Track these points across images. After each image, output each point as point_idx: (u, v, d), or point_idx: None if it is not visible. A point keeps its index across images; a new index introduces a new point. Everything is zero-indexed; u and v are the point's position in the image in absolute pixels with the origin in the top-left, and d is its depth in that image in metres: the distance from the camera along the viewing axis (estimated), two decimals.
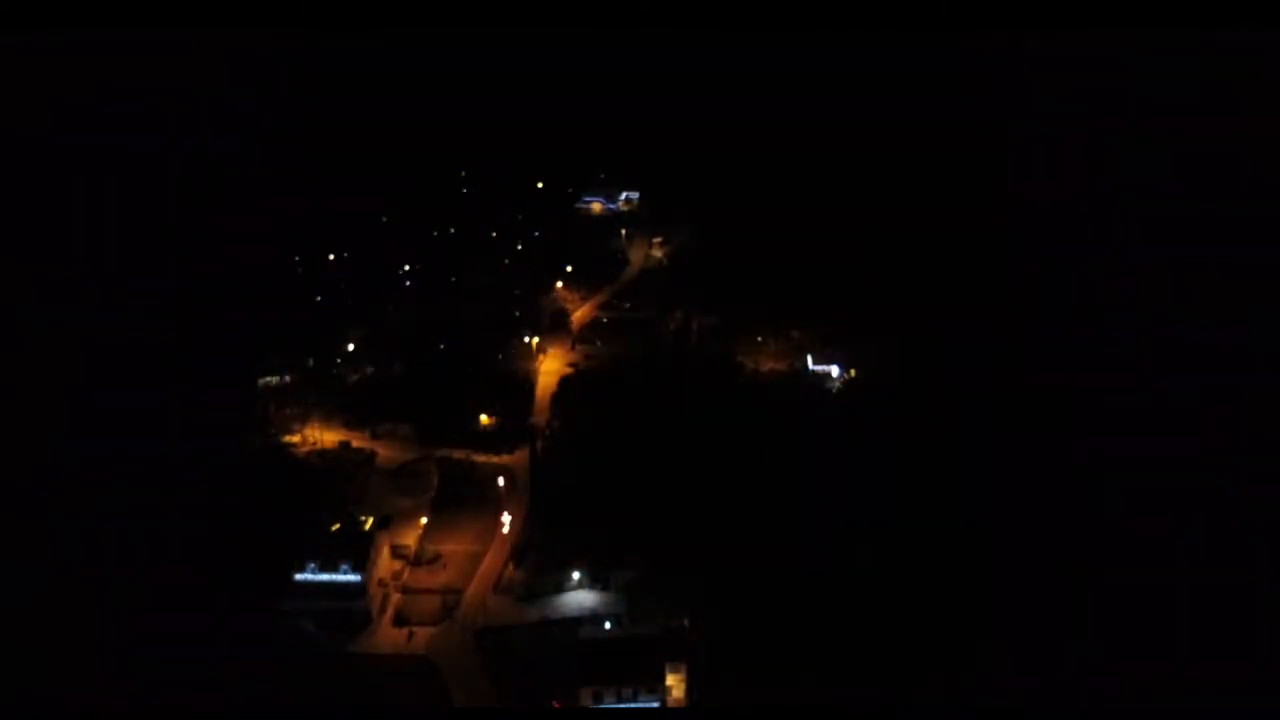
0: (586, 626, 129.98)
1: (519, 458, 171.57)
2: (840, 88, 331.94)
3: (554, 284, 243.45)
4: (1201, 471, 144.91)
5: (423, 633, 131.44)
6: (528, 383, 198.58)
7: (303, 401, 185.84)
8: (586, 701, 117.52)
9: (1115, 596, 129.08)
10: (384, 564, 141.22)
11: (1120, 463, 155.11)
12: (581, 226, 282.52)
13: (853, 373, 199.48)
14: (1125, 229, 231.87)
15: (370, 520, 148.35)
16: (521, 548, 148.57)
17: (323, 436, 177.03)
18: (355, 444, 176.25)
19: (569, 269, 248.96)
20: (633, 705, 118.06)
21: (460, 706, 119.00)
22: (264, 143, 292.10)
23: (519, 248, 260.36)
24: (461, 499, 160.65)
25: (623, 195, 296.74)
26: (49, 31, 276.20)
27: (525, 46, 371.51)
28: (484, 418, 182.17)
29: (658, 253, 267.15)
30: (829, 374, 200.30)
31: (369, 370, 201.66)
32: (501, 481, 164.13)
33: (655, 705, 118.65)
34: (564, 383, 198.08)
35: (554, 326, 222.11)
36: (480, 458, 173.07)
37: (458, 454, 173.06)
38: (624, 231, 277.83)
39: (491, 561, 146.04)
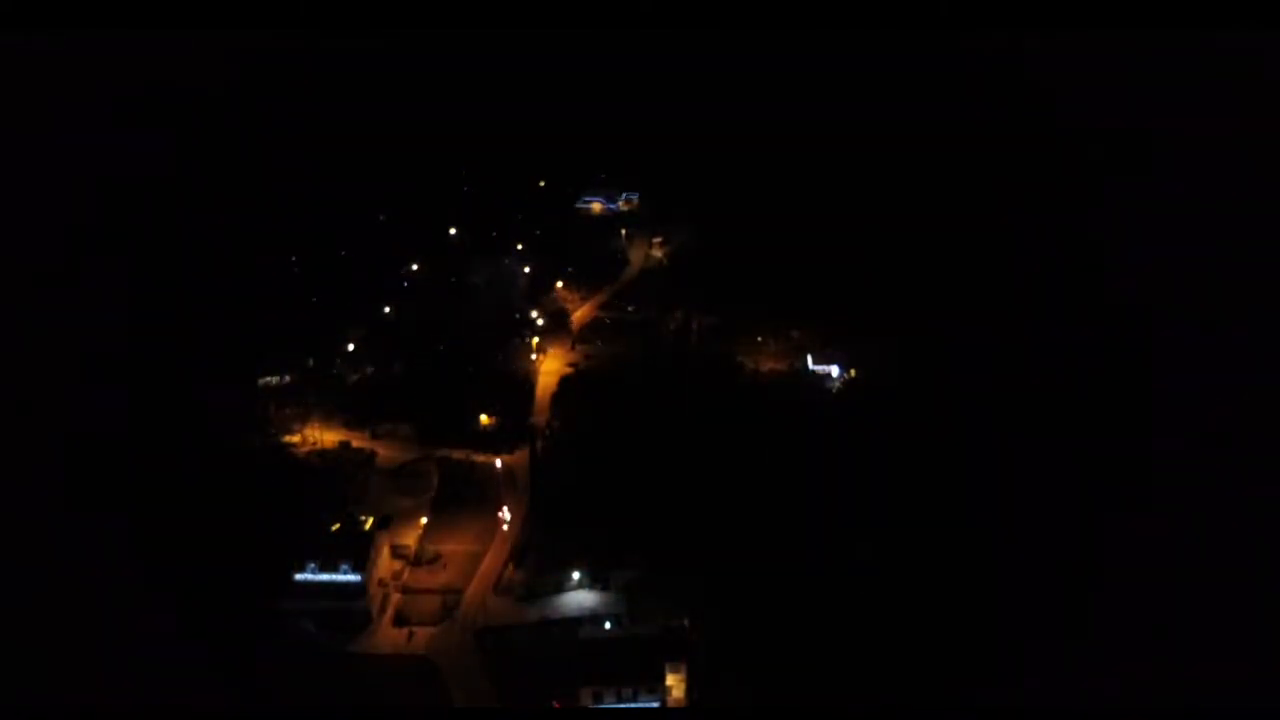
0: (586, 626, 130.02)
1: (519, 458, 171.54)
2: (841, 88, 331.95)
3: (554, 284, 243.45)
4: (1202, 471, 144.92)
5: (423, 633, 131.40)
6: (528, 383, 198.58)
7: (303, 401, 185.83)
8: (586, 701, 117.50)
9: (1115, 596, 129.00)
10: (384, 564, 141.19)
11: (1120, 462, 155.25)
12: (581, 226, 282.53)
13: (853, 373, 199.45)
14: (1125, 229, 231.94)
15: (370, 520, 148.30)
16: (521, 548, 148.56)
17: (323, 436, 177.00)
18: (355, 444, 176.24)
19: (569, 269, 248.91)
20: (633, 705, 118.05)
21: (460, 706, 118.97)
22: (264, 142, 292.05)
23: (519, 248, 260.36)
24: (461, 499, 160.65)
25: (623, 195, 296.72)
26: (49, 31, 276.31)
27: (525, 46, 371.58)
28: (484, 418, 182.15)
29: (658, 253, 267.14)
30: (829, 374, 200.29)
31: (369, 370, 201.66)
32: (501, 481, 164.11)
33: (655, 705, 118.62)
34: (564, 383, 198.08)
35: (554, 326, 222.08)
36: (480, 458, 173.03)
37: (458, 454, 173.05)
38: (624, 231, 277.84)
39: (491, 561, 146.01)
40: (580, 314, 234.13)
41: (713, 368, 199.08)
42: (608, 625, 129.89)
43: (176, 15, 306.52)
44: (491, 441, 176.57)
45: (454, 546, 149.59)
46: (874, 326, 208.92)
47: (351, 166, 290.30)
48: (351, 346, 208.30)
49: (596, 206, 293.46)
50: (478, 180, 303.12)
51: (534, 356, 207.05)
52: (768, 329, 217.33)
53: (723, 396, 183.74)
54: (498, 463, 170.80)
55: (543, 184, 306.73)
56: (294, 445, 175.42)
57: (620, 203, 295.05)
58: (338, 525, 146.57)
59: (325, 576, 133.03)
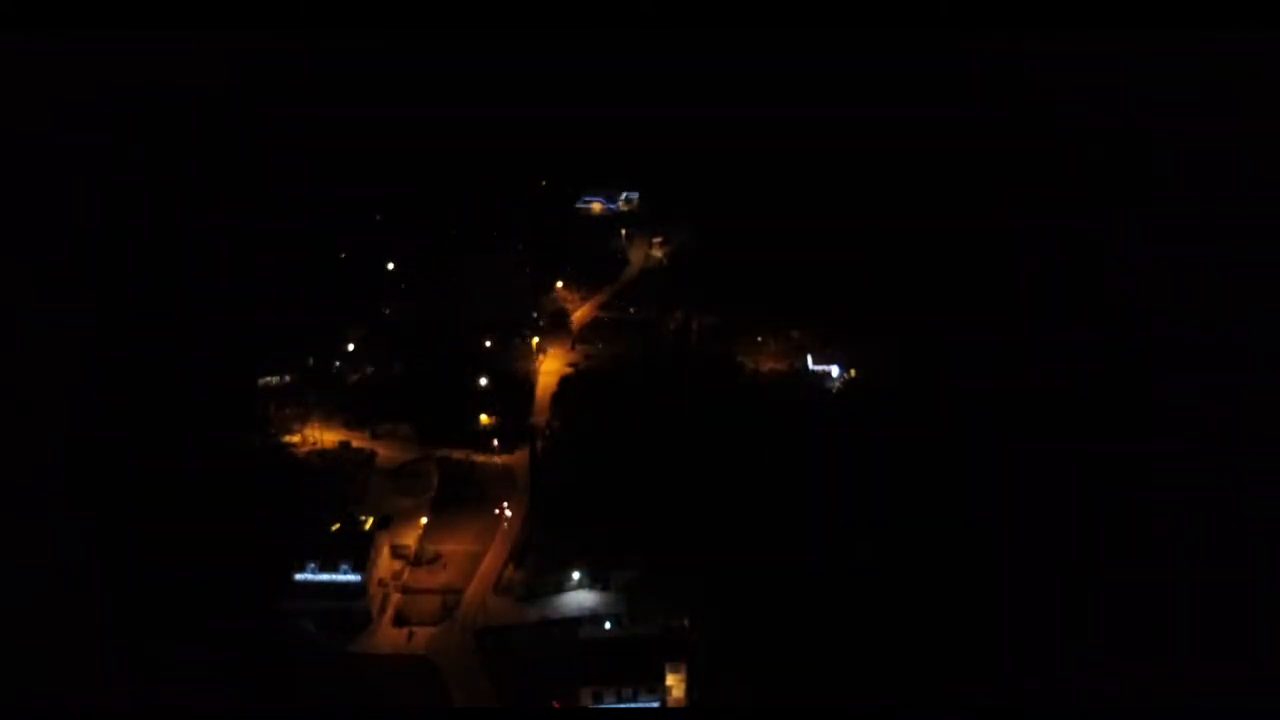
0: (586, 626, 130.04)
1: (519, 458, 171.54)
2: (841, 88, 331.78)
3: (554, 284, 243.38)
4: (1202, 471, 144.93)
5: (423, 633, 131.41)
6: (528, 383, 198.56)
7: (303, 401, 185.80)
8: (586, 701, 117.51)
9: (1115, 596, 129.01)
10: (384, 564, 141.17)
11: (1120, 462, 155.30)
12: (581, 226, 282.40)
13: (853, 373, 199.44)
14: (1125, 229, 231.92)
15: (370, 520, 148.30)
16: (521, 548, 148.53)
17: (323, 436, 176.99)
18: (355, 444, 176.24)
19: (569, 269, 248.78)
20: (633, 705, 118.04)
21: (460, 706, 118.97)
22: (264, 142, 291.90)
23: (519, 248, 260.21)
24: (461, 499, 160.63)
25: (623, 195, 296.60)
26: (49, 31, 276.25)
27: (525, 46, 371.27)
28: (484, 418, 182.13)
29: (658, 253, 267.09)
30: (829, 374, 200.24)
31: (369, 370, 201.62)
32: (501, 481, 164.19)
33: (655, 705, 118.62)
34: (564, 383, 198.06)
35: (554, 326, 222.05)
36: (480, 458, 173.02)
37: (458, 454, 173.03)
38: (624, 231, 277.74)
39: (491, 561, 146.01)
40: (580, 314, 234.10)
41: (713, 368, 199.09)
42: (608, 625, 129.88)
43: (176, 15, 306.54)
44: (491, 441, 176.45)
45: (454, 546, 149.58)
46: (874, 326, 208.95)
47: (351, 166, 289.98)
48: (351, 346, 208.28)
49: (596, 206, 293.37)
50: (478, 180, 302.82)
51: (534, 356, 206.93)
52: (768, 329, 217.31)
53: (723, 396, 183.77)
54: (498, 462, 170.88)
55: (543, 184, 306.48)
56: (294, 445, 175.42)
57: (620, 203, 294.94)
58: (338, 525, 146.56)
59: (325, 576, 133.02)
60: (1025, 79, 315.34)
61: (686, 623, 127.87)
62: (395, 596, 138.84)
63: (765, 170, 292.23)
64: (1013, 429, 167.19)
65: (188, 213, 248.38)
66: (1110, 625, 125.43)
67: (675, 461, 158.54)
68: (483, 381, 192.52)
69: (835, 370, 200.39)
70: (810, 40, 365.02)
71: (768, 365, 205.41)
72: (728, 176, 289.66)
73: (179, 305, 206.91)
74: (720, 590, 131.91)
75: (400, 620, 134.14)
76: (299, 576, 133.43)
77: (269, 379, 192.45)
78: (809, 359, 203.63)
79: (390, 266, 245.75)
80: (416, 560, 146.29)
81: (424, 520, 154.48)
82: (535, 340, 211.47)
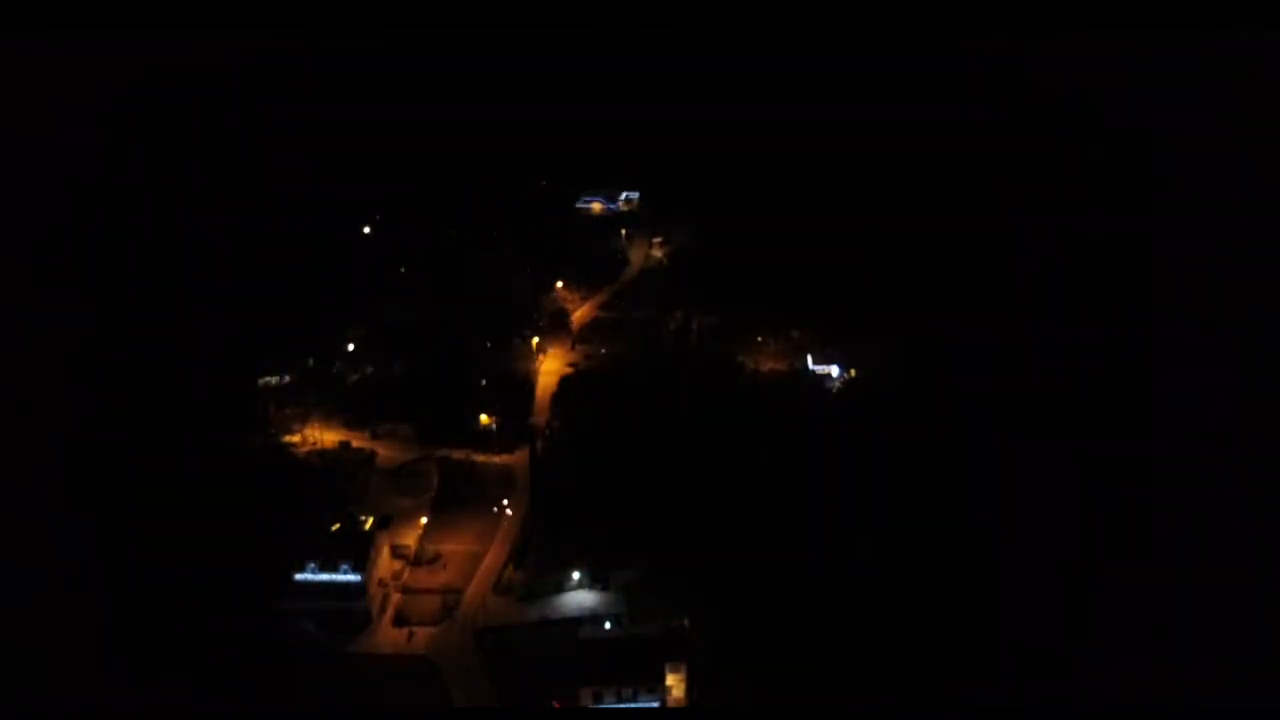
0: (586, 626, 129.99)
1: (519, 458, 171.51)
2: (840, 88, 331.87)
3: (554, 284, 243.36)
4: (1202, 471, 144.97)
5: (423, 633, 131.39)
6: (528, 383, 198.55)
7: (303, 401, 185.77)
8: (586, 701, 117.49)
9: (1115, 596, 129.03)
10: (384, 564, 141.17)
11: (1120, 462, 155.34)
12: (581, 226, 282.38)
13: (853, 373, 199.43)
14: (1125, 229, 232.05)
15: (370, 520, 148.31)
16: (521, 548, 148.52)
17: (323, 436, 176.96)
18: (355, 444, 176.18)
19: (569, 269, 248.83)
20: (633, 705, 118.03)
21: (460, 706, 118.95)
22: (264, 142, 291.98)
23: (519, 248, 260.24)
24: (461, 499, 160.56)
25: (623, 195, 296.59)
26: (49, 31, 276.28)
27: (525, 46, 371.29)
28: (484, 418, 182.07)
29: (658, 253, 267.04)
30: (829, 374, 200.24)
31: (369, 370, 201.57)
32: (501, 481, 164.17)
33: (655, 705, 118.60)
34: (564, 383, 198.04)
35: (554, 326, 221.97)
36: (480, 458, 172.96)
37: (458, 454, 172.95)
38: (624, 231, 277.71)
39: (491, 561, 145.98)
40: (580, 314, 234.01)
41: (713, 368, 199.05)
42: (608, 625, 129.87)
43: (176, 15, 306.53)
44: (491, 441, 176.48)
45: (454, 546, 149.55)
46: (874, 326, 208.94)
47: (351, 166, 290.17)
48: (351, 346, 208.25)
49: (596, 206, 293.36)
50: (478, 180, 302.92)
51: (534, 356, 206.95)
52: (768, 329, 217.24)
53: (723, 396, 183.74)
54: (498, 462, 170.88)
55: (543, 184, 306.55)
56: (294, 445, 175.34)
57: (620, 203, 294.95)
58: (338, 525, 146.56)
59: (325, 576, 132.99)
60: (1025, 79, 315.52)
61: (686, 623, 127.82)
62: (395, 596, 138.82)
63: (765, 170, 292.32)
64: (1013, 429, 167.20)
65: (187, 213, 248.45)
66: (1110, 625, 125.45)
67: (675, 462, 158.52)
68: (483, 381, 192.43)
69: (835, 370, 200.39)
70: (810, 40, 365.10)
71: (768, 365, 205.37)
72: (728, 176, 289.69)
73: (179, 305, 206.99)
74: (720, 590, 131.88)
75: (400, 620, 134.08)
76: (299, 576, 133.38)
77: (269, 379, 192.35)
78: (809, 359, 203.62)
79: (390, 266, 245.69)
80: (416, 560, 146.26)
81: (424, 520, 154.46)
82: (535, 340, 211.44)
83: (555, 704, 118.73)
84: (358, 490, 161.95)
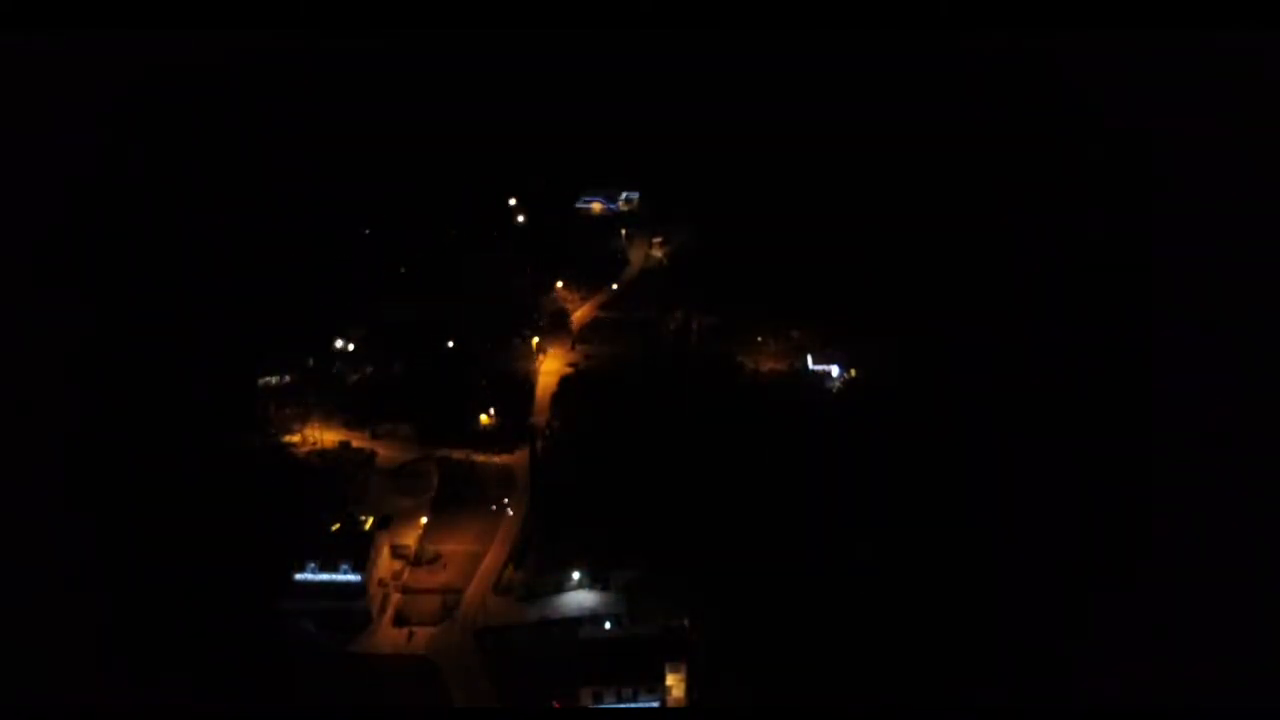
0: (586, 626, 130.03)
1: (519, 458, 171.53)
2: (840, 88, 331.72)
3: (554, 284, 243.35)
4: (1202, 471, 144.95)
5: (423, 633, 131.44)
6: (528, 383, 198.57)
7: (303, 401, 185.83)
8: (586, 701, 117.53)
9: (1115, 596, 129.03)
10: (384, 564, 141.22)
11: (1120, 462, 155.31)
12: (581, 226, 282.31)
13: (853, 373, 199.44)
14: (1125, 229, 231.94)
15: (370, 520, 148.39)
16: (521, 548, 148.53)
17: (323, 436, 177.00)
18: (355, 444, 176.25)
19: (569, 269, 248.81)
20: (633, 705, 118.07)
21: (460, 706, 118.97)
22: (264, 142, 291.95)
23: (519, 248, 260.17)
24: (461, 499, 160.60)
25: (623, 195, 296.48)
26: (49, 31, 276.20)
27: (525, 46, 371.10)
28: (484, 418, 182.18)
29: (658, 253, 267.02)
30: (829, 374, 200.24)
31: (369, 370, 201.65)
32: (501, 481, 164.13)
33: (655, 705, 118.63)
34: (564, 383, 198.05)
35: (554, 326, 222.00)
36: (480, 458, 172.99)
37: (458, 454, 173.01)
38: (624, 231, 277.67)
39: (491, 561, 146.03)
40: (580, 314, 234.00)
41: (713, 368, 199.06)
42: (608, 625, 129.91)
43: (176, 15, 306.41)
44: (491, 441, 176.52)
45: (454, 546, 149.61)
46: (874, 326, 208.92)
47: (351, 166, 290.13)
48: (351, 346, 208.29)
49: (596, 206, 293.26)
50: (478, 180, 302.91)
51: (534, 356, 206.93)
52: (768, 329, 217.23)
53: (723, 396, 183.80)
54: (498, 462, 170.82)
55: (542, 184, 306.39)
56: (294, 445, 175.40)
57: (620, 203, 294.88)
58: (338, 525, 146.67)
59: (325, 576, 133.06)
60: (1025, 79, 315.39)
61: (686, 623, 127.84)
62: (395, 596, 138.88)
63: (765, 170, 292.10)
64: (1013, 429, 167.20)
65: (187, 213, 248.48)
66: (1110, 625, 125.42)
67: (675, 462, 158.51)
68: (483, 382, 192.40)
69: (835, 370, 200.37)
70: (810, 40, 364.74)
71: (768, 365, 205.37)
72: (728, 176, 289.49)
73: (178, 305, 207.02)
74: (720, 590, 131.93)
75: (400, 620, 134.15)
76: (299, 576, 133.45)
77: (269, 379, 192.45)
78: (809, 359, 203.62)
79: (390, 266, 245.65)
80: (416, 560, 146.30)
81: (424, 520, 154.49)
82: (535, 340, 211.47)
83: (555, 704, 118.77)
84: (358, 490, 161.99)
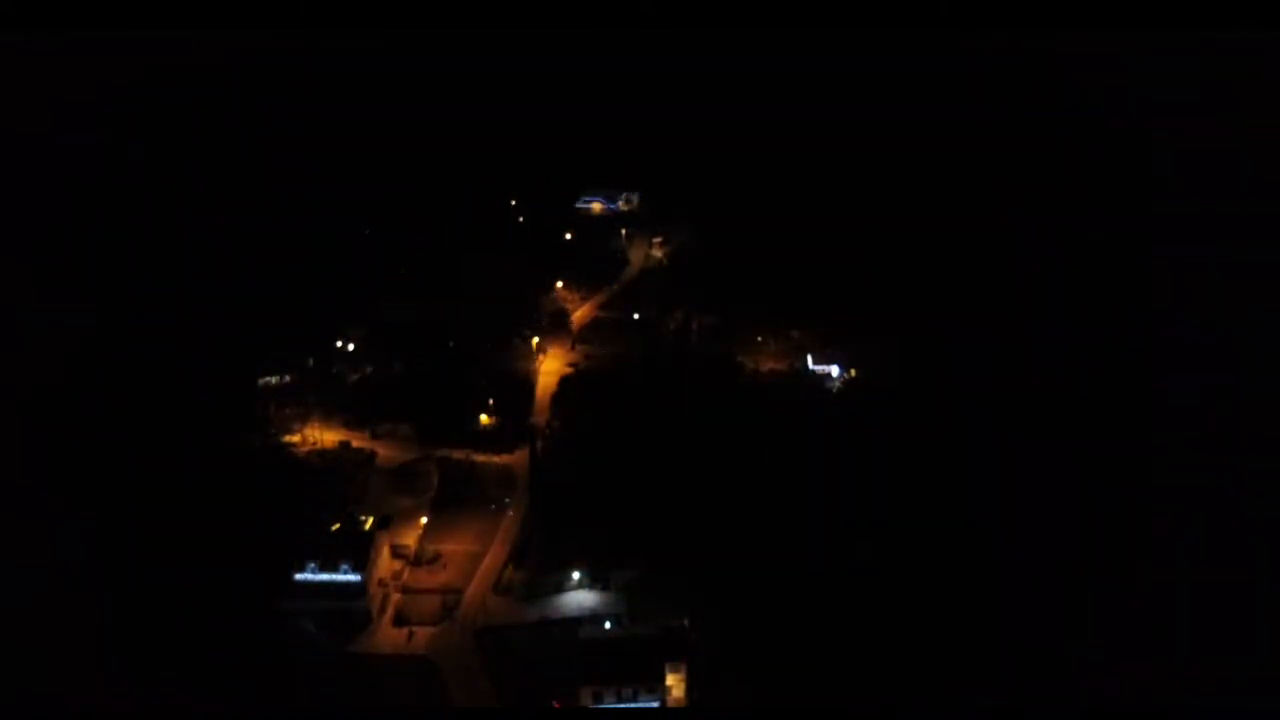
0: (586, 626, 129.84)
1: (519, 458, 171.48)
2: (840, 88, 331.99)
3: (554, 284, 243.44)
4: (1202, 471, 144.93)
5: (423, 633, 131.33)
6: (528, 383, 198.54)
7: (303, 401, 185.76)
8: (586, 701, 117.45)
9: (1115, 596, 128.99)
10: (384, 564, 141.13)
11: (1120, 462, 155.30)
12: (581, 226, 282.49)
13: (853, 373, 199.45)
14: (1125, 229, 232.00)
15: (370, 520, 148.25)
16: (521, 548, 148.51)
17: (323, 436, 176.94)
18: (355, 444, 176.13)
19: (569, 269, 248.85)
20: (633, 705, 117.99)
21: (460, 706, 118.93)
22: (264, 142, 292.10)
23: (519, 248, 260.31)
24: (461, 499, 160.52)
25: (623, 195, 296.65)
26: (49, 31, 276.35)
27: (525, 46, 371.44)
28: (484, 418, 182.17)
29: (658, 253, 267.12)
30: (829, 374, 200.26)
31: (369, 370, 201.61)
32: (501, 481, 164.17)
33: (655, 705, 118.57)
34: (564, 383, 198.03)
35: (554, 326, 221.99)
36: (480, 458, 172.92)
37: (458, 454, 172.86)
38: (624, 231, 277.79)
39: (491, 561, 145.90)
40: (580, 314, 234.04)
41: (713, 368, 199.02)
42: (608, 625, 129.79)
43: (176, 15, 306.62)
44: (491, 441, 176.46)
45: (454, 546, 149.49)
46: (874, 326, 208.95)
47: (351, 166, 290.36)
48: (351, 346, 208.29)
49: (596, 206, 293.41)
50: (478, 180, 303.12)
51: (534, 356, 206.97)
52: (768, 329, 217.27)
53: (723, 396, 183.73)
54: (498, 462, 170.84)
55: (542, 184, 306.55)
56: (294, 445, 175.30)
57: (620, 203, 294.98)
58: (338, 525, 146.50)
59: (325, 576, 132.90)
60: (1025, 79, 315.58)
61: (686, 623, 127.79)
62: (395, 596, 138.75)
63: (765, 170, 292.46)
64: (1013, 429, 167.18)
65: (187, 213, 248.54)
66: (1110, 625, 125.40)
67: (675, 462, 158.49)
68: (483, 382, 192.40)
69: (835, 370, 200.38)
70: (810, 40, 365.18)
71: (768, 365, 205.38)
72: (728, 176, 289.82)
73: (178, 305, 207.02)
74: (720, 590, 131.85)
75: (400, 620, 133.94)
76: (299, 576, 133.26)
77: (269, 379, 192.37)
78: (809, 359, 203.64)
79: (390, 266, 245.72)
80: (416, 560, 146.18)
81: (424, 520, 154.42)
82: (535, 340, 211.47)
83: (555, 704, 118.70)
84: (358, 490, 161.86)
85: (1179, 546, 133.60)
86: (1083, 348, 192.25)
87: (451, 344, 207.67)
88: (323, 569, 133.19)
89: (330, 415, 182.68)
